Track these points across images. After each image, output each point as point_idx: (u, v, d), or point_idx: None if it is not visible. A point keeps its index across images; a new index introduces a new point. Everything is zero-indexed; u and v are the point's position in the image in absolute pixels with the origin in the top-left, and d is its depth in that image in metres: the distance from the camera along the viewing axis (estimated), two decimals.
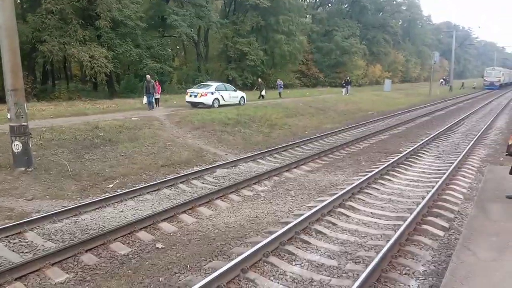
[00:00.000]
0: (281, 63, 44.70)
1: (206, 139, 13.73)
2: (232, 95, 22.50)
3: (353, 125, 19.29)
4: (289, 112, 21.01)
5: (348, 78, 37.84)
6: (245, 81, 36.22)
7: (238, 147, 13.42)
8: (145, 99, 19.35)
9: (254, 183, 9.10)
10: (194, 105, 21.43)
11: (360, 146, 14.27)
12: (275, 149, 12.93)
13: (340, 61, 54.89)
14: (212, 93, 21.02)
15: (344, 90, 35.91)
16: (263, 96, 26.25)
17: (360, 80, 60.84)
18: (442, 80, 64.91)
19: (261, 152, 12.41)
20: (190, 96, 20.93)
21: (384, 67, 65.98)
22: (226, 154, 12.38)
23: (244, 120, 16.65)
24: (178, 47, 43.96)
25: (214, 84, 22.49)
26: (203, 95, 20.57)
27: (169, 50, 33.69)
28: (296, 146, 13.83)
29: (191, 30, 32.97)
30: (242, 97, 23.48)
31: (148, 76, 19.62)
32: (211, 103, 20.73)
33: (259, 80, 30.79)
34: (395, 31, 66.37)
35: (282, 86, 28.52)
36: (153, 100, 19.17)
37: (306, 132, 17.09)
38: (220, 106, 21.24)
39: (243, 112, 18.19)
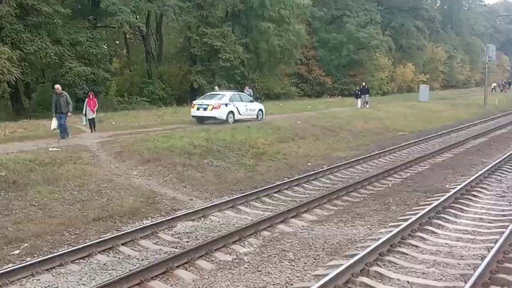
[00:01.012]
0: (269, 63, 44.18)
1: (161, 177, 13.59)
2: (248, 107, 25.08)
3: (376, 152, 19.48)
4: (283, 134, 21.14)
5: (364, 84, 37.81)
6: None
7: (209, 188, 13.31)
8: (54, 123, 18.04)
9: (234, 242, 8.99)
10: (202, 120, 23.92)
11: (389, 182, 14.14)
12: (263, 189, 12.81)
13: (355, 60, 54.11)
14: (227, 105, 23.41)
15: (359, 101, 36.10)
16: None
17: (385, 87, 59.82)
18: (494, 84, 64.65)
19: (244, 195, 12.33)
20: (198, 109, 23.55)
21: (418, 67, 65.05)
22: (191, 199, 12.29)
23: (217, 148, 16.59)
24: (117, 42, 43.51)
25: (228, 94, 25.17)
26: (215, 108, 22.97)
27: (105, 47, 33.36)
28: (295, 185, 13.71)
29: (136, 18, 33.23)
30: (260, 110, 25.93)
31: (58, 87, 18.17)
32: (225, 118, 23.17)
33: (246, 87, 31.05)
34: (431, 16, 66.36)
35: (252, 97, 28.35)
36: (65, 124, 17.69)
37: (309, 164, 17.09)
38: (235, 121, 23.41)
39: (216, 136, 18.18)
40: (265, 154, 17.66)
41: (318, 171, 15.45)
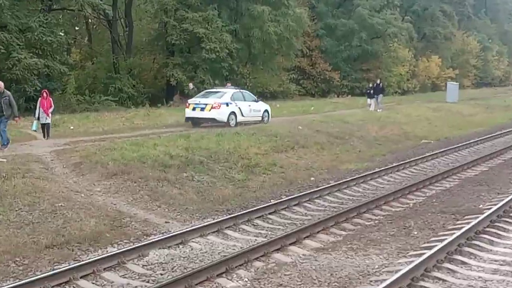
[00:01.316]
0: (263, 54, 44.45)
1: (130, 194, 13.67)
2: (253, 108, 26.28)
3: (394, 164, 19.84)
4: (281, 142, 21.36)
5: (379, 81, 38.36)
6: (199, 86, 35.73)
7: (188, 208, 13.33)
8: None
9: (220, 275, 8.97)
10: (197, 122, 24.97)
11: (409, 201, 14.24)
12: (256, 210, 12.84)
13: (368, 51, 54.44)
14: (228, 104, 24.48)
15: (372, 102, 36.69)
16: None
17: (405, 84, 60.47)
18: None
19: (231, 217, 12.29)
20: (194, 109, 24.62)
21: (445, 61, 65.26)
22: (167, 222, 12.32)
23: (199, 159, 16.82)
24: (77, 29, 43.39)
25: (229, 91, 26.16)
26: (214, 107, 23.99)
27: (62, 34, 33.43)
28: (295, 204, 13.75)
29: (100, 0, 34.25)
30: (266, 110, 27.19)
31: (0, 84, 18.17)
32: (226, 120, 24.17)
33: (228, 84, 31.31)
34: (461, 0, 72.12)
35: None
36: (5, 130, 17.09)
37: (312, 178, 17.35)
38: (237, 124, 24.37)
39: (198, 144, 18.41)
40: (258, 166, 17.70)
41: (323, 187, 15.36)
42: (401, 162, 20.08)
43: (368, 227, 11.94)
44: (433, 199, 14.30)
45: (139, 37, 43.07)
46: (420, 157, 21.41)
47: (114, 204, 12.98)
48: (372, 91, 37.06)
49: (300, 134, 23.22)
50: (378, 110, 35.43)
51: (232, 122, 23.33)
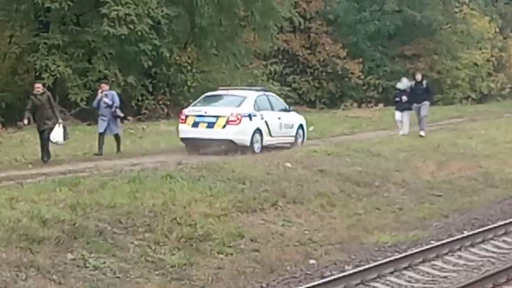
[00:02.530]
0: (219, 28, 43.98)
1: None
2: (284, 122, 28.05)
3: (467, 234, 18.90)
4: (252, 193, 21.11)
5: (420, 78, 34.43)
6: (93, 86, 35.94)
7: None
8: None
9: None
10: (200, 146, 26.43)
11: None
12: None
13: (416, 22, 56.16)
14: (251, 117, 26.38)
15: (404, 117, 32.64)
16: None
17: (484, 83, 63.82)
18: None
19: None
20: (196, 125, 26.31)
21: None
22: None
23: (97, 226, 16.40)
24: None
25: (251, 95, 27.67)
26: (231, 122, 25.85)
27: None
28: None
29: None
30: (301, 126, 28.95)
31: None
32: (248, 143, 25.96)
33: (103, 86, 28.37)
34: None
35: (117, 105, 28.39)
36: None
37: (312, 261, 16.97)
38: (262, 149, 25.40)
39: (95, 199, 18.16)
40: (209, 239, 17.14)
41: (332, 278, 14.59)
42: (480, 230, 18.76)
43: None
44: None
45: None
46: None
47: None
48: (404, 97, 32.38)
49: (288, 177, 22.64)
50: (421, 133, 32.13)
51: (257, 146, 25.55)
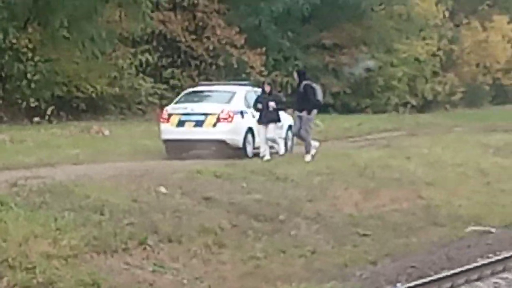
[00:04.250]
0: (68, 1, 38.02)
1: None
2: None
3: None
4: (111, 227, 19.26)
5: (297, 75, 28.05)
6: None
7: None
8: None
9: None
10: (186, 149, 26.36)
11: None
12: None
13: (338, 6, 49.67)
14: (242, 114, 26.80)
15: (271, 131, 27.32)
16: None
17: (428, 85, 57.37)
18: None
19: None
20: (181, 124, 26.20)
21: None
22: None
23: None
24: None
25: (239, 90, 28.23)
26: (223, 120, 26.19)
27: None
28: None
29: None
30: (290, 127, 28.71)
31: None
32: (241, 143, 26.56)
33: None
34: None
35: None
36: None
37: None
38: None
39: None
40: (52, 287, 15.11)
41: None
42: (418, 283, 16.59)
43: None
44: None
45: None
46: (465, 269, 17.54)
47: None
48: (272, 103, 26.64)
49: (163, 206, 20.40)
50: (307, 158, 26.87)
51: (249, 148, 26.00)
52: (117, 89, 45.84)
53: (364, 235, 22.05)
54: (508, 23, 63.91)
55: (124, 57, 45.42)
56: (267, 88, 29.62)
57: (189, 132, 25.84)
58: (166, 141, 26.42)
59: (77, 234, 18.19)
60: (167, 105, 38.39)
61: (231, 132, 25.65)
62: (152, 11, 44.88)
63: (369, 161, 28.58)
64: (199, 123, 25.91)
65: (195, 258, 18.84)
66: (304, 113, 27.90)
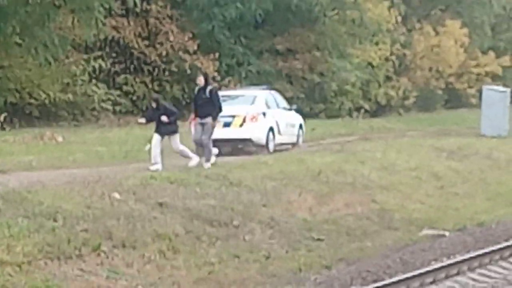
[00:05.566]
0: (21, 7, 38.35)
1: None
2: (288, 122, 30.92)
3: None
4: (65, 234, 19.26)
5: (205, 81, 26.31)
6: None
7: None
8: None
9: None
10: (216, 146, 26.93)
11: None
12: None
13: (291, 6, 49.55)
14: (265, 115, 28.86)
15: (156, 143, 26.44)
16: None
17: (381, 89, 58.66)
18: None
19: None
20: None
21: (479, 34, 69.58)
22: None
23: None
24: None
25: (260, 93, 30.34)
26: (249, 120, 27.83)
27: None
28: None
29: None
30: (301, 126, 31.98)
31: None
32: (264, 141, 28.78)
33: None
34: None
35: None
36: None
37: None
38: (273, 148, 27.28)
39: None
40: None
41: None
42: (373, 287, 16.57)
43: None
44: None
45: None
46: (419, 272, 17.99)
47: None
48: (164, 117, 26.44)
49: (116, 212, 20.52)
50: (206, 165, 26.75)
51: (271, 145, 27.91)
52: (70, 96, 45.00)
53: (319, 239, 22.21)
54: (461, 27, 64.43)
55: (77, 63, 45.19)
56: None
57: (218, 133, 26.36)
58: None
59: (31, 240, 17.97)
60: (120, 111, 39.17)
61: (256, 131, 27.11)
62: (105, 17, 44.53)
63: (323, 166, 28.77)
64: (227, 124, 27.02)
65: (149, 264, 18.72)
66: (208, 119, 27.74)
